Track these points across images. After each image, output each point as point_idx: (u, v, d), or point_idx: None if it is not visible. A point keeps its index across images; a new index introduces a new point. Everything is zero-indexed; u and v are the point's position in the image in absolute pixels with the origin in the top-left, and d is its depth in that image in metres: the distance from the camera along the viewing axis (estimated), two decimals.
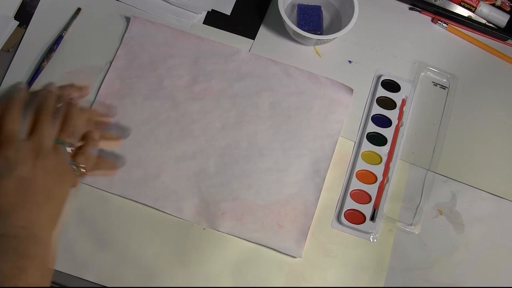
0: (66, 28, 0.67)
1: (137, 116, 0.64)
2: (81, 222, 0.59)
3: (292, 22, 0.65)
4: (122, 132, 0.61)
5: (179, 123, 0.64)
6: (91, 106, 0.64)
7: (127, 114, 0.63)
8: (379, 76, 0.69)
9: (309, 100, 0.66)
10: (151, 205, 0.60)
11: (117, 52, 0.66)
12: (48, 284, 0.45)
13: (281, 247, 0.60)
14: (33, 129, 0.48)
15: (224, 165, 0.63)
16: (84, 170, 0.50)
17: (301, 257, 0.60)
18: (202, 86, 0.66)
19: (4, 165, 0.45)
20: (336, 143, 0.65)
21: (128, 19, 0.68)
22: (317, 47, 0.70)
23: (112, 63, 0.66)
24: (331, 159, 0.64)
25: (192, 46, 0.67)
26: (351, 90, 0.67)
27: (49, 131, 0.49)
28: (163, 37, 0.67)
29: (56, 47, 0.65)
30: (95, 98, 0.64)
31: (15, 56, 0.65)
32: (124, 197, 0.60)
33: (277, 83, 0.67)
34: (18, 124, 0.48)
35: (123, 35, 0.67)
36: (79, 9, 0.68)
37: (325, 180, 0.63)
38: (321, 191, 0.62)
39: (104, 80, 0.65)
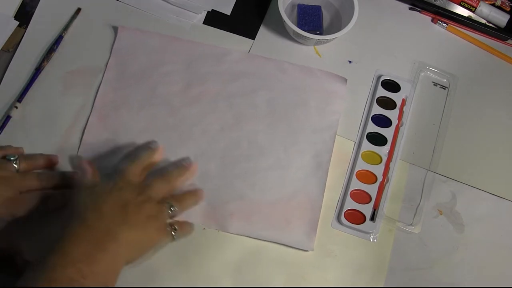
0: (66, 28, 0.67)
1: (135, 125, 0.63)
2: None
3: (292, 22, 0.65)
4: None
5: (177, 128, 0.64)
6: (88, 118, 0.63)
7: (124, 125, 0.63)
8: (379, 76, 0.69)
9: (305, 94, 0.66)
10: None
11: (108, 63, 0.65)
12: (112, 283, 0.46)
13: (292, 242, 0.60)
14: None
15: (227, 166, 0.62)
16: (174, 235, 0.54)
17: (313, 250, 0.60)
18: (197, 89, 0.65)
19: (110, 186, 0.51)
20: (336, 134, 0.65)
21: (116, 29, 0.67)
22: (317, 47, 0.70)
23: (104, 74, 0.65)
24: (332, 151, 0.64)
25: (183, 51, 0.67)
26: (345, 80, 0.67)
27: (161, 186, 0.55)
28: (153, 44, 0.67)
29: (56, 47, 0.65)
30: (91, 111, 0.63)
31: (15, 56, 0.65)
32: None
33: (272, 80, 0.67)
34: (138, 173, 0.54)
35: (112, 46, 0.66)
36: (79, 9, 0.68)
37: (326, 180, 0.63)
38: (325, 184, 0.62)
39: (98, 93, 0.64)
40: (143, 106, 0.64)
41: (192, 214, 0.60)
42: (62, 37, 0.66)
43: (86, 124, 0.63)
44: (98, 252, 0.45)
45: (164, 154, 0.62)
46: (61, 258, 0.43)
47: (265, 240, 0.60)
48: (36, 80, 0.64)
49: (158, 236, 0.52)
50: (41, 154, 0.58)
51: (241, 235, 0.60)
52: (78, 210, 0.48)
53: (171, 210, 0.54)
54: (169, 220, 0.54)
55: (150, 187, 0.54)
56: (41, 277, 0.42)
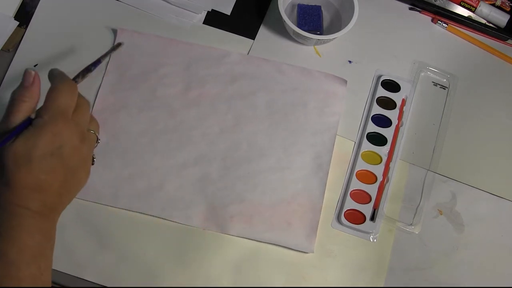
0: (106, 54, 0.59)
1: (134, 128, 0.63)
2: (81, 222, 0.59)
3: (292, 22, 0.65)
4: None
5: (177, 131, 0.64)
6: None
7: (124, 127, 0.63)
8: (379, 76, 0.69)
9: (304, 95, 0.66)
10: (158, 216, 0.60)
11: (107, 66, 0.65)
12: (52, 250, 0.46)
13: (292, 244, 0.60)
14: (74, 113, 0.46)
15: (227, 168, 0.62)
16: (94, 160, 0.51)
17: (313, 252, 0.60)
18: (196, 92, 0.65)
19: (54, 140, 0.43)
20: (335, 136, 0.65)
21: (115, 32, 0.67)
22: (317, 47, 0.70)
23: (104, 77, 0.65)
24: (332, 152, 0.64)
25: (182, 53, 0.67)
26: (345, 81, 0.67)
27: (88, 117, 0.49)
28: (152, 46, 0.67)
29: (94, 68, 0.58)
30: (90, 114, 0.63)
31: (15, 56, 0.65)
32: (131, 211, 0.60)
33: (271, 82, 0.67)
34: (71, 103, 0.46)
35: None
36: (119, 44, 0.60)
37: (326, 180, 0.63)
38: (326, 185, 0.62)
39: (98, 96, 0.64)
40: (143, 108, 0.64)
41: (192, 217, 0.60)
42: (100, 61, 0.58)
43: None
44: (47, 242, 0.44)
45: (165, 157, 0.62)
46: (22, 254, 0.42)
47: (265, 242, 0.60)
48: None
49: (86, 177, 0.48)
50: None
51: (242, 237, 0.60)
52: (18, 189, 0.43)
53: (97, 142, 0.50)
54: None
55: (80, 119, 0.47)
56: (6, 276, 0.41)
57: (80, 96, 0.48)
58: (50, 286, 0.44)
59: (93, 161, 0.50)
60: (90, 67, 0.56)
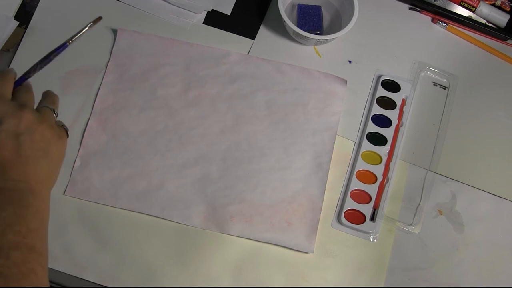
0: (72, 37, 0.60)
1: (135, 128, 0.63)
2: (81, 222, 0.59)
3: (292, 22, 0.65)
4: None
5: (177, 131, 0.64)
6: (87, 122, 0.63)
7: (124, 127, 0.63)
8: (379, 76, 0.69)
9: (304, 95, 0.66)
10: (158, 216, 0.60)
11: (107, 66, 0.66)
12: (46, 233, 0.47)
13: (292, 244, 0.60)
14: (14, 98, 0.50)
15: (227, 168, 0.62)
16: (67, 130, 0.53)
17: (313, 252, 0.60)
18: (196, 92, 0.65)
19: None
20: (336, 135, 0.65)
21: (115, 32, 0.67)
22: (317, 47, 0.70)
23: (104, 77, 0.65)
24: (332, 152, 0.64)
25: (181, 53, 0.67)
26: (345, 81, 0.67)
27: (31, 96, 0.52)
28: (152, 46, 0.67)
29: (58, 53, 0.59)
30: (90, 114, 0.63)
31: (15, 56, 0.65)
32: (131, 211, 0.60)
33: (271, 82, 0.67)
34: (7, 89, 0.50)
35: (112, 48, 0.67)
36: (99, 18, 0.60)
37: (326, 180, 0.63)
38: (326, 185, 0.62)
39: (98, 96, 0.64)
40: (143, 108, 0.64)
41: (192, 217, 0.60)
42: (67, 45, 0.59)
43: (86, 127, 0.63)
44: (22, 210, 0.45)
45: (165, 157, 0.62)
46: None
47: (265, 242, 0.60)
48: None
49: (60, 145, 0.51)
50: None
51: (242, 237, 0.60)
52: None
53: (54, 113, 0.52)
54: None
55: (18, 99, 0.50)
56: None
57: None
58: (43, 247, 0.45)
59: (67, 133, 0.52)
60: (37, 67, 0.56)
